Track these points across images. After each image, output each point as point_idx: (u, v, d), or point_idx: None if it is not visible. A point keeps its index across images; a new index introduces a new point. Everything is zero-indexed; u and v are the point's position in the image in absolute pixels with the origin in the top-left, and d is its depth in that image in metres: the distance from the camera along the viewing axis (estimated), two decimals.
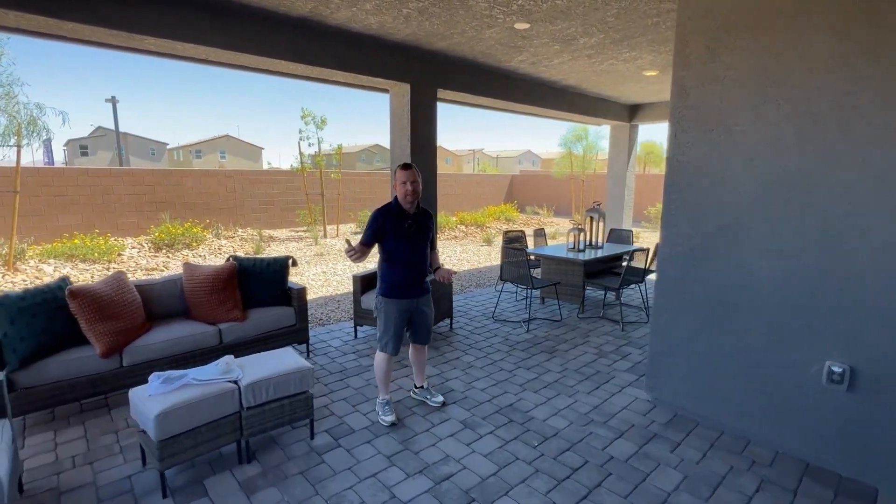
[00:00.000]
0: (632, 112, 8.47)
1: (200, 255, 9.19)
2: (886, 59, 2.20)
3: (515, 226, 14.95)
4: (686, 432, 2.96)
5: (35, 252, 8.07)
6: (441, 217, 13.29)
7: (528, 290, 5.25)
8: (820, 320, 2.50)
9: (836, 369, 2.46)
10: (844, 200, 2.37)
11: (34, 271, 7.21)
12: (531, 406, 3.29)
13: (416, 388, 3.40)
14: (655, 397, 3.31)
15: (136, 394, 2.46)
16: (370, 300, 4.40)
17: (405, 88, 4.96)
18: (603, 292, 6.16)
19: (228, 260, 3.92)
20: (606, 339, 4.66)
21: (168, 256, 8.83)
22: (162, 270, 7.95)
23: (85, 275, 7.30)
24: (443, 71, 5.25)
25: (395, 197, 2.96)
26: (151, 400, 2.35)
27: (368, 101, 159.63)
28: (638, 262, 5.34)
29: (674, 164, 3.02)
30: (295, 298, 4.02)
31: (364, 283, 4.55)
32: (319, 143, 11.95)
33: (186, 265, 3.75)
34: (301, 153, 11.99)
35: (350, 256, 2.74)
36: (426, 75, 5.08)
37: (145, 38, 3.41)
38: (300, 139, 11.81)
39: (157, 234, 9.49)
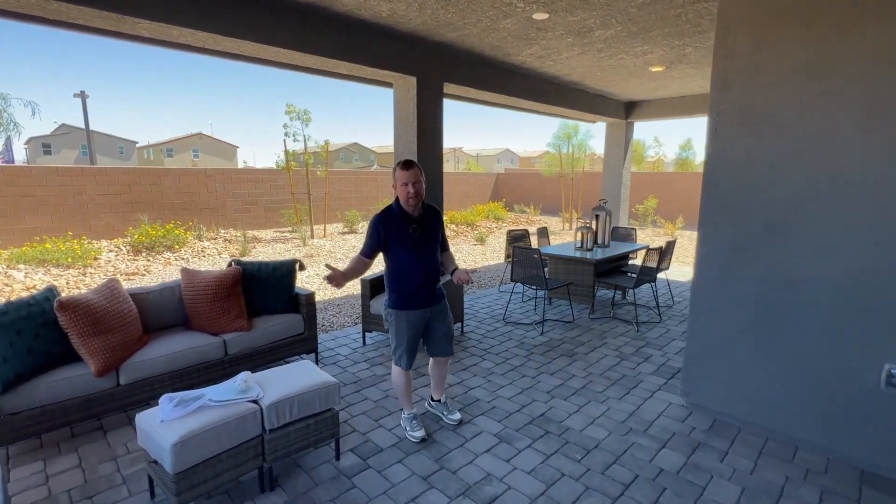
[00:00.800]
0: (628, 109, 8.41)
1: (183, 258, 8.73)
2: None
3: (504, 224, 14.84)
4: (730, 439, 2.83)
5: (2, 257, 7.50)
6: None
7: (539, 292, 5.09)
8: (880, 322, 2.40)
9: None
10: None
11: (3, 278, 6.68)
12: (564, 415, 3.12)
13: (432, 400, 3.16)
14: (692, 402, 3.18)
15: (144, 419, 2.17)
16: (379, 305, 4.16)
17: (411, 82, 4.73)
18: (611, 292, 6.06)
19: (230, 265, 3.63)
20: (623, 340, 4.54)
21: (149, 260, 8.35)
22: (143, 275, 7.50)
23: (59, 281, 6.80)
24: (449, 64, 5.03)
25: (396, 199, 2.66)
26: (165, 427, 2.07)
27: (347, 97, 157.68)
28: (640, 260, 5.24)
29: (714, 160, 2.89)
30: (303, 305, 3.75)
31: (373, 287, 4.30)
32: (305, 139, 11.56)
33: (185, 271, 3.44)
34: (286, 150, 11.57)
35: (332, 283, 2.45)
36: (433, 68, 4.85)
37: (139, 21, 3.08)
38: (285, 135, 11.39)
39: (135, 236, 8.98)
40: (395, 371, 2.82)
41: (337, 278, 2.47)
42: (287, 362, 3.87)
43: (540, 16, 3.84)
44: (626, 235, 6.59)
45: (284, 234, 12.21)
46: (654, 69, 5.70)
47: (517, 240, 6.35)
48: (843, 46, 2.37)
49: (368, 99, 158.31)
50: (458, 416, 3.05)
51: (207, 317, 3.32)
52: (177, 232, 9.42)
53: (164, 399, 2.20)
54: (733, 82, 2.76)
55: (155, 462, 2.13)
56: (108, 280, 3.09)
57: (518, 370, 3.83)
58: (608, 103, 7.94)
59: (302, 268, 3.81)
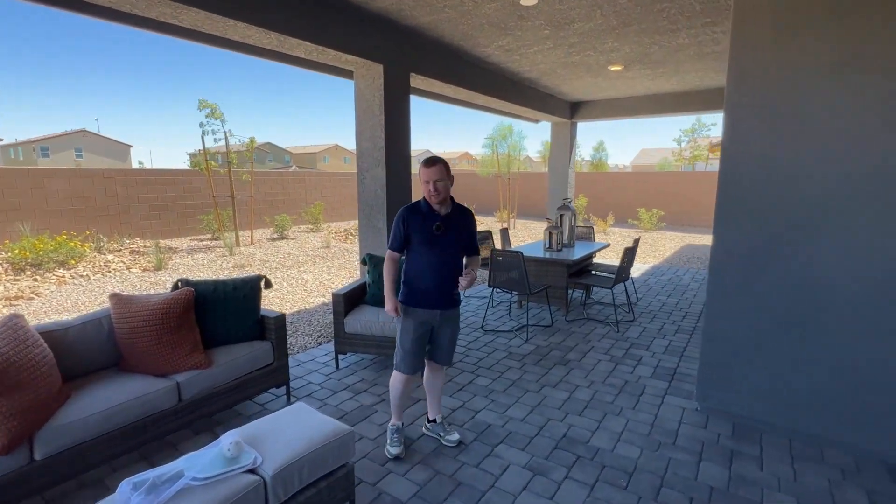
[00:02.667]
0: (573, 109, 8.53)
1: (82, 275, 7.32)
2: None
3: None
4: (757, 443, 2.75)
5: None
6: None
7: (506, 295, 4.85)
8: None
9: None
10: None
11: None
12: (587, 434, 2.86)
13: (428, 422, 2.83)
14: (708, 407, 3.08)
15: None
16: (356, 322, 3.63)
17: (377, 70, 4.23)
18: (576, 293, 5.99)
19: (178, 285, 2.91)
20: (608, 342, 4.43)
21: (36, 279, 6.88)
22: (30, 299, 6.12)
23: None
24: (417, 53, 4.61)
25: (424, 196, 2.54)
26: None
27: (256, 93, 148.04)
28: (602, 259, 5.22)
29: (731, 157, 2.80)
30: (272, 329, 3.12)
31: (347, 302, 3.76)
32: (227, 137, 10.37)
33: (117, 298, 2.68)
34: (205, 149, 10.28)
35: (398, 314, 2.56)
36: (401, 56, 4.39)
37: None
38: (202, 132, 10.12)
39: (14, 250, 7.37)
40: (395, 377, 2.65)
41: (397, 307, 2.55)
42: (259, 403, 3.22)
43: (528, 2, 3.56)
44: (585, 235, 6.59)
45: (205, 242, 10.88)
46: (613, 68, 5.73)
47: (481, 241, 6.07)
48: (874, 40, 2.34)
49: (281, 94, 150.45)
50: (456, 436, 2.75)
51: (152, 354, 2.60)
52: (71, 244, 7.91)
53: (124, 487, 1.56)
54: (752, 76, 2.67)
55: None
56: (7, 317, 2.27)
57: (518, 385, 3.53)
58: (556, 103, 7.97)
59: (268, 285, 3.18)
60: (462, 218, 2.57)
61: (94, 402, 2.29)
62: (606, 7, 3.72)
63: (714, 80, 6.49)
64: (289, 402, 3.25)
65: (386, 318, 3.61)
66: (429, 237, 2.47)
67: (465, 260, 2.62)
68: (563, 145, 8.85)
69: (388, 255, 2.55)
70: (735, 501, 2.26)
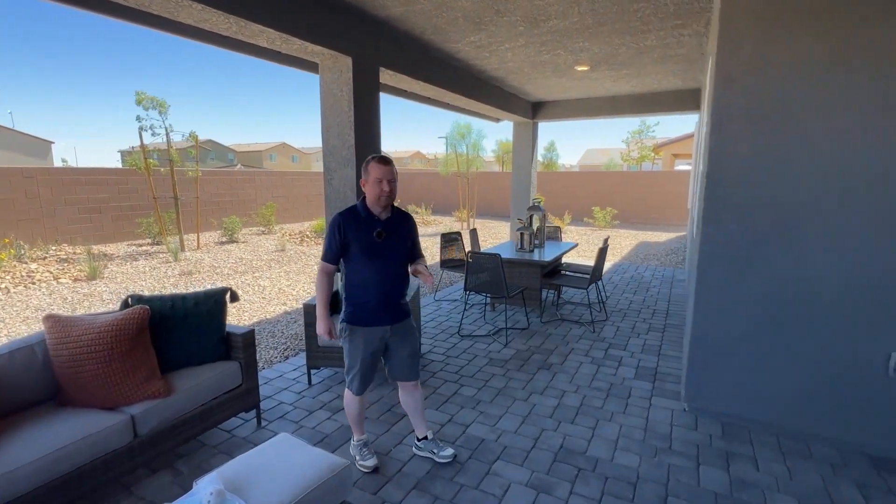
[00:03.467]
0: (535, 109, 8.55)
1: (0, 288, 6.47)
2: None
3: None
4: (748, 442, 2.77)
5: None
6: (324, 220, 11.93)
7: (478, 297, 4.73)
8: (885, 312, 2.49)
9: None
10: None
11: None
12: (583, 443, 2.78)
13: (418, 440, 2.64)
14: (695, 407, 3.08)
15: None
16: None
17: (346, 63, 3.96)
18: (547, 293, 5.97)
19: (128, 302, 2.54)
20: (586, 343, 4.41)
21: None
22: None
23: None
24: (386, 46, 4.37)
25: (363, 199, 2.37)
26: None
27: (199, 86, 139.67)
28: (573, 258, 5.24)
29: (717, 158, 2.79)
30: (239, 348, 2.80)
31: None
32: (168, 132, 9.57)
33: (53, 320, 2.29)
34: (143, 146, 9.44)
35: (331, 337, 2.39)
36: (370, 49, 4.14)
37: None
38: (141, 128, 9.28)
39: None
40: (348, 396, 2.51)
41: (331, 329, 2.37)
42: (226, 431, 2.89)
43: None
44: (552, 235, 6.60)
45: (144, 247, 10.01)
46: (580, 68, 5.74)
47: (451, 242, 5.93)
48: (857, 42, 2.39)
49: (221, 88, 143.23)
50: (450, 451, 2.60)
51: (100, 384, 2.24)
52: None
53: None
54: (738, 77, 2.67)
55: None
56: None
57: (505, 394, 3.40)
58: (519, 102, 7.95)
59: (234, 298, 2.85)
60: (403, 223, 2.43)
61: (29, 448, 1.92)
62: (585, 4, 3.66)
63: (671, 83, 6.68)
64: (259, 426, 2.95)
65: None
66: (370, 246, 2.29)
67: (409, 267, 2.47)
68: (526, 145, 8.86)
69: (321, 267, 2.33)
70: None
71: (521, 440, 2.80)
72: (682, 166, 22.82)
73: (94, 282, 7.09)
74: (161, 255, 9.16)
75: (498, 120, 8.92)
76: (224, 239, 11.20)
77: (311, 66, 4.32)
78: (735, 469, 2.52)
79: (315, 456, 1.83)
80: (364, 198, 2.35)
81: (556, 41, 4.63)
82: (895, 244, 2.43)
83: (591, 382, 3.58)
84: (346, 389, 2.50)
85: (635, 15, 3.89)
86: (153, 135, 9.31)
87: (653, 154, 21.58)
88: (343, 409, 3.15)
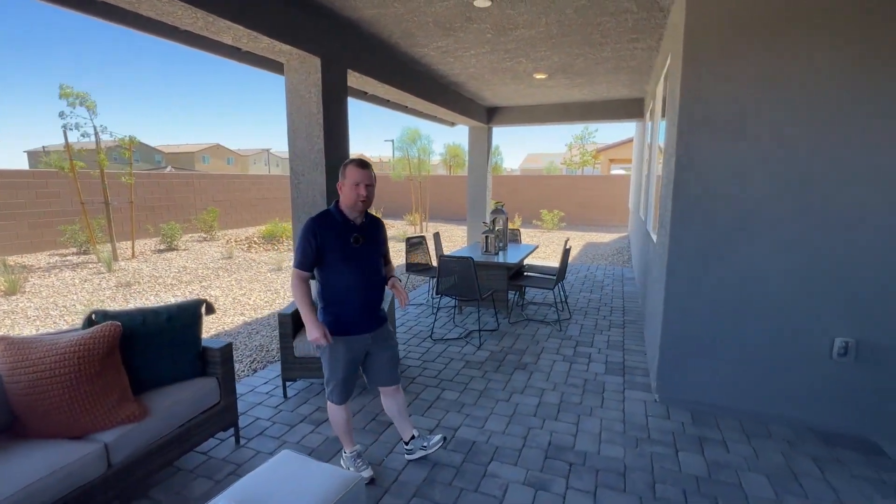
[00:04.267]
0: (490, 114, 8.73)
1: None
2: (879, 71, 2.54)
3: None
4: (716, 427, 2.99)
5: None
6: (273, 225, 11.47)
7: (444, 300, 4.77)
8: (828, 302, 2.80)
9: (843, 343, 2.79)
10: (849, 193, 2.68)
11: None
12: (570, 438, 2.87)
13: (406, 444, 2.62)
14: (666, 397, 3.29)
15: None
16: (306, 345, 3.25)
17: (314, 64, 3.84)
18: (510, 295, 6.10)
19: (91, 319, 2.31)
20: (555, 341, 4.56)
21: None
22: None
23: None
24: (355, 48, 4.29)
25: (336, 203, 2.32)
26: None
27: (121, 81, 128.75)
28: (533, 260, 5.42)
29: (683, 163, 3.01)
30: (217, 364, 2.63)
31: (296, 322, 3.35)
32: (97, 132, 8.77)
33: (6, 343, 2.04)
34: (68, 145, 8.58)
35: (326, 341, 2.22)
36: (339, 50, 4.05)
37: None
38: (65, 127, 8.44)
39: None
40: (331, 407, 2.43)
41: (325, 332, 2.21)
42: (203, 453, 2.70)
43: (482, 3, 3.50)
44: (513, 237, 6.76)
45: (69, 257, 9.11)
46: (538, 76, 5.94)
47: (415, 246, 5.91)
48: (796, 62, 2.67)
49: (147, 85, 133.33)
50: (437, 437, 2.60)
51: (66, 411, 2.02)
52: None
53: None
54: (700, 88, 2.90)
55: None
56: None
57: (487, 395, 3.44)
58: (475, 107, 8.08)
59: (210, 310, 2.68)
60: (376, 228, 2.42)
61: None
62: (553, 16, 3.80)
63: (619, 92, 7.08)
64: (238, 445, 2.78)
65: None
66: (347, 252, 2.25)
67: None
68: (482, 149, 9.01)
69: (296, 274, 2.23)
70: (720, 487, 2.41)
71: (511, 440, 2.85)
72: (617, 171, 24.20)
73: (13, 297, 6.35)
74: (91, 266, 8.37)
75: (453, 124, 9.01)
76: (162, 246, 10.44)
77: (275, 67, 4.16)
78: (709, 453, 2.72)
79: (326, 472, 1.77)
80: (337, 202, 2.30)
81: (520, 49, 4.77)
82: (835, 242, 2.73)
83: (567, 379, 3.71)
84: (328, 402, 2.42)
85: (598, 28, 4.10)
86: (83, 136, 8.49)
87: (593, 159, 22.70)
88: (326, 420, 3.05)
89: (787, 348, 2.93)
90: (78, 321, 5.27)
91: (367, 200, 2.25)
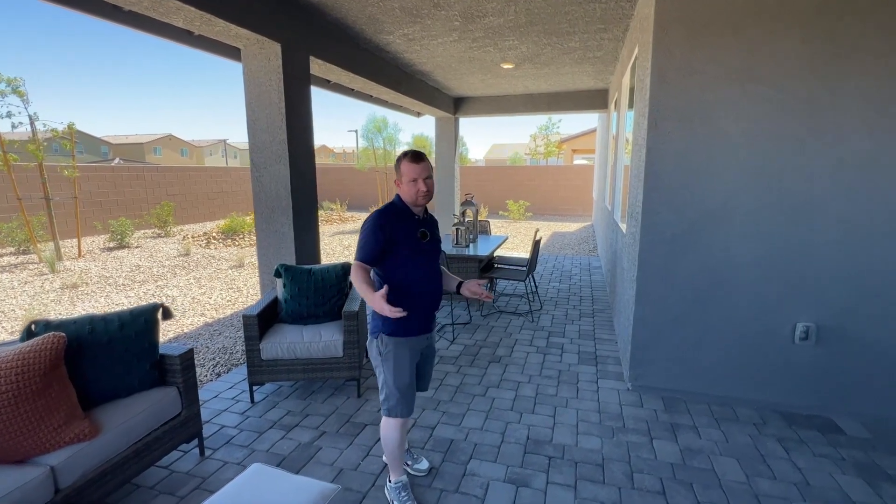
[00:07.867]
0: (457, 104, 8.63)
1: None
2: (838, 66, 2.62)
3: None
4: (686, 412, 3.06)
5: None
6: (233, 220, 11.01)
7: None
8: (791, 290, 2.90)
9: (804, 328, 2.90)
10: (811, 185, 2.77)
11: None
12: (548, 431, 2.87)
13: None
14: (639, 385, 3.34)
15: None
16: (276, 347, 3.10)
17: (274, 50, 3.64)
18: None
19: (31, 330, 2.09)
20: (527, 333, 4.57)
21: None
22: None
23: None
24: (317, 34, 4.09)
25: (397, 196, 2.16)
26: None
27: (59, 66, 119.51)
28: (502, 251, 5.42)
29: (654, 154, 3.03)
30: (177, 371, 2.46)
31: (263, 323, 3.19)
32: (33, 120, 8.10)
33: None
34: (1, 138, 7.88)
35: (395, 312, 1.84)
36: (301, 36, 3.85)
37: None
38: None
39: None
40: (390, 425, 2.18)
41: (387, 301, 1.88)
42: (164, 467, 2.52)
43: None
44: (482, 229, 6.72)
45: (6, 258, 8.42)
46: (506, 66, 5.89)
47: None
48: (762, 56, 2.72)
49: (83, 70, 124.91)
50: (425, 464, 2.51)
51: (3, 434, 1.82)
52: None
53: None
54: (671, 80, 2.91)
55: None
56: None
57: (463, 391, 3.40)
58: (442, 97, 7.97)
59: (167, 315, 2.49)
60: (434, 225, 2.29)
61: None
62: (521, 4, 3.74)
63: (584, 83, 7.13)
64: (203, 457, 2.62)
65: (312, 338, 3.15)
66: (417, 244, 2.11)
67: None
68: (449, 140, 8.92)
69: (357, 265, 2.04)
70: (695, 473, 2.46)
71: (490, 436, 2.82)
72: (580, 161, 24.66)
73: (51, 318, 5.80)
74: (32, 266, 7.77)
75: (419, 114, 8.87)
76: (112, 244, 9.83)
77: (232, 53, 3.91)
78: (682, 439, 2.77)
79: (301, 485, 1.66)
80: (398, 196, 2.14)
81: (487, 38, 4.69)
82: (797, 231, 2.83)
83: (542, 371, 3.72)
84: (387, 420, 2.18)
85: (566, 17, 4.07)
86: (14, 126, 7.81)
87: (557, 149, 23.01)
88: (297, 425, 2.92)
89: (753, 334, 3.02)
90: (18, 329, 4.87)
91: (429, 193, 2.10)
